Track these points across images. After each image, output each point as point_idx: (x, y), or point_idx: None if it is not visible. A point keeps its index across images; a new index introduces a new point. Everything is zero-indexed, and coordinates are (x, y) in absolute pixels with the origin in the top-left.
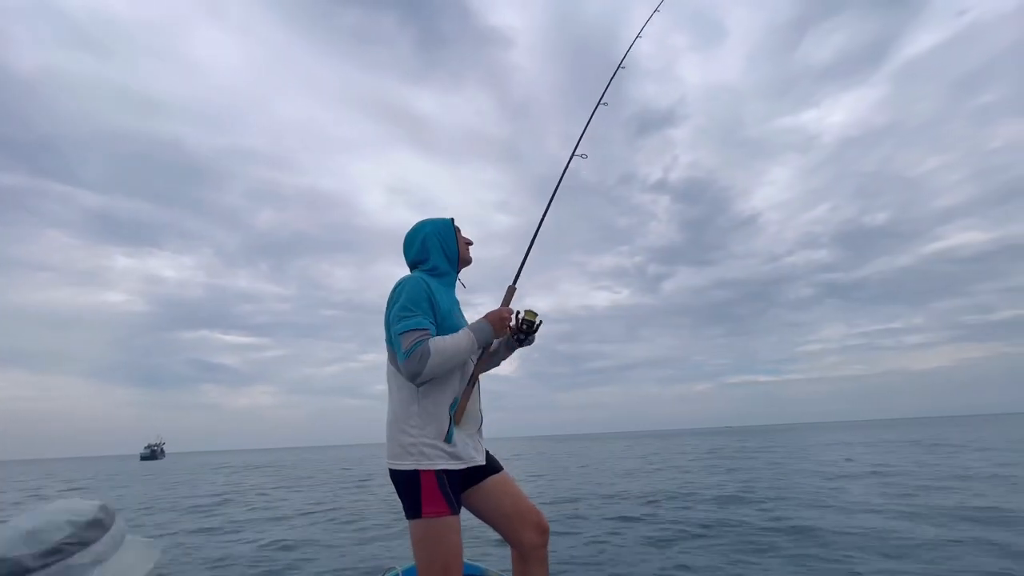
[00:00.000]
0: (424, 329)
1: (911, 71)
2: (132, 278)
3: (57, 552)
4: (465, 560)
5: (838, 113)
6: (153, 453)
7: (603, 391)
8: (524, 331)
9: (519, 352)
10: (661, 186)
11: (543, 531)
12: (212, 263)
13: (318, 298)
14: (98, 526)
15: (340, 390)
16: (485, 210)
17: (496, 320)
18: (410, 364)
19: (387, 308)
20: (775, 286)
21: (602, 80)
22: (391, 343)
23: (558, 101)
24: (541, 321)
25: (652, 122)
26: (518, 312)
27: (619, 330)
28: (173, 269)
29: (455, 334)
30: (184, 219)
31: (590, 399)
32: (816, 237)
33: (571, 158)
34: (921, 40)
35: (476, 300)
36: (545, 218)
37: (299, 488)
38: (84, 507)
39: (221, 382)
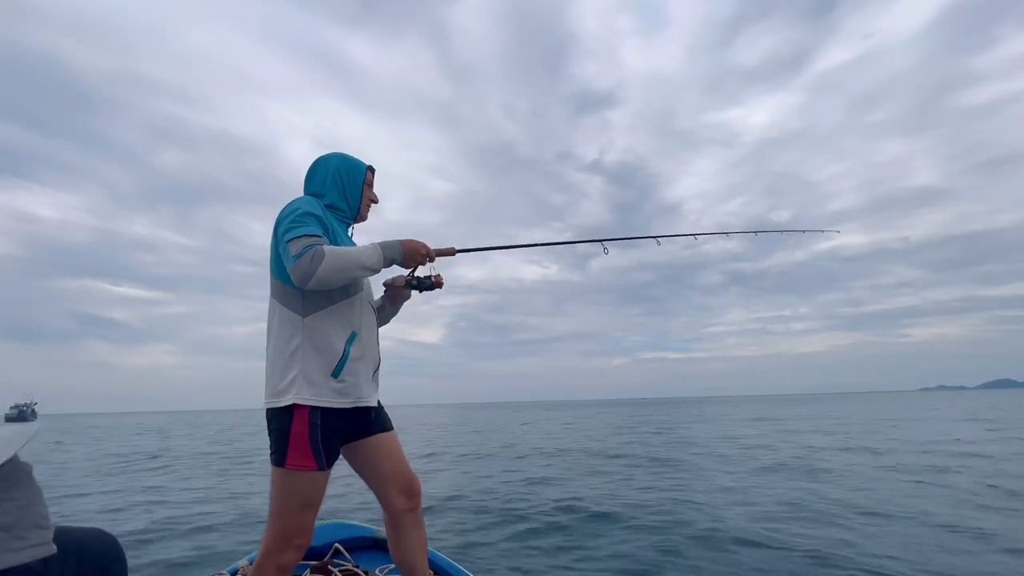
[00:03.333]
0: (316, 235)
1: (823, 83)
2: None
3: None
4: (355, 522)
5: (760, 114)
6: (21, 414)
7: (527, 362)
8: (423, 284)
9: (446, 320)
10: (596, 167)
11: (412, 495)
12: (102, 204)
13: (230, 252)
14: None
15: (253, 352)
16: (420, 173)
17: (410, 247)
18: (300, 265)
19: (275, 228)
20: (690, 271)
21: (547, 53)
22: (274, 266)
23: (501, 69)
24: (438, 284)
25: (592, 102)
26: (434, 271)
27: (546, 304)
28: (52, 208)
29: (361, 245)
30: (66, 151)
31: (514, 369)
32: (729, 227)
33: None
34: (833, 55)
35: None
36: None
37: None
38: None
39: (111, 339)
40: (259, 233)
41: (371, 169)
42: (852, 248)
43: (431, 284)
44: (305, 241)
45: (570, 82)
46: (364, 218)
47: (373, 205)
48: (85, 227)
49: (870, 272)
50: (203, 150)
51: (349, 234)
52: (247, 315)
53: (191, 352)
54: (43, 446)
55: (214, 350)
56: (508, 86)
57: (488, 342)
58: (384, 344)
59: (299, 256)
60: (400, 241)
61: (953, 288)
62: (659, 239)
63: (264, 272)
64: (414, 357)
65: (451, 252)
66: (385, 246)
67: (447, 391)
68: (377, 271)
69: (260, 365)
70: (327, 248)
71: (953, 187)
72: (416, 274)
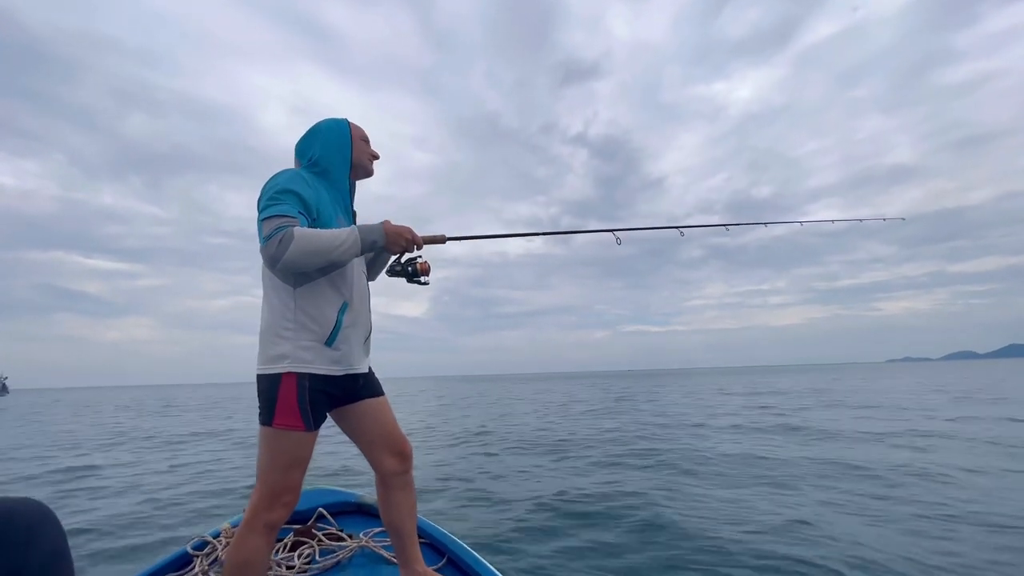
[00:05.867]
0: (289, 216)
1: (808, 57)
2: None
3: None
4: (339, 488)
5: (745, 88)
6: None
7: (510, 335)
8: (408, 272)
9: (430, 294)
10: (580, 140)
11: (404, 458)
12: (66, 172)
13: (204, 223)
14: None
15: (230, 325)
16: (401, 144)
17: (393, 232)
18: (268, 248)
19: (257, 203)
20: (672, 246)
21: (533, 20)
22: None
23: (485, 36)
24: (427, 281)
25: (577, 72)
26: (420, 255)
27: (529, 277)
28: (11, 175)
29: (339, 229)
30: (21, 114)
31: (497, 342)
32: (712, 203)
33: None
34: (820, 28)
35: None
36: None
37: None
38: None
39: (83, 312)
40: (233, 204)
41: (356, 128)
42: (829, 224)
43: (416, 272)
44: (276, 222)
45: (556, 51)
46: (368, 173)
47: (375, 160)
48: (49, 196)
49: (845, 247)
50: (172, 116)
51: (350, 206)
52: (223, 288)
53: (167, 326)
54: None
55: (191, 324)
56: (492, 54)
57: (472, 315)
58: (378, 321)
59: (269, 238)
60: (382, 224)
61: (922, 264)
62: (682, 229)
63: (241, 244)
64: (398, 331)
65: (441, 240)
66: (364, 230)
67: (431, 364)
68: (354, 256)
69: (239, 339)
70: (298, 231)
71: (928, 165)
72: (401, 261)
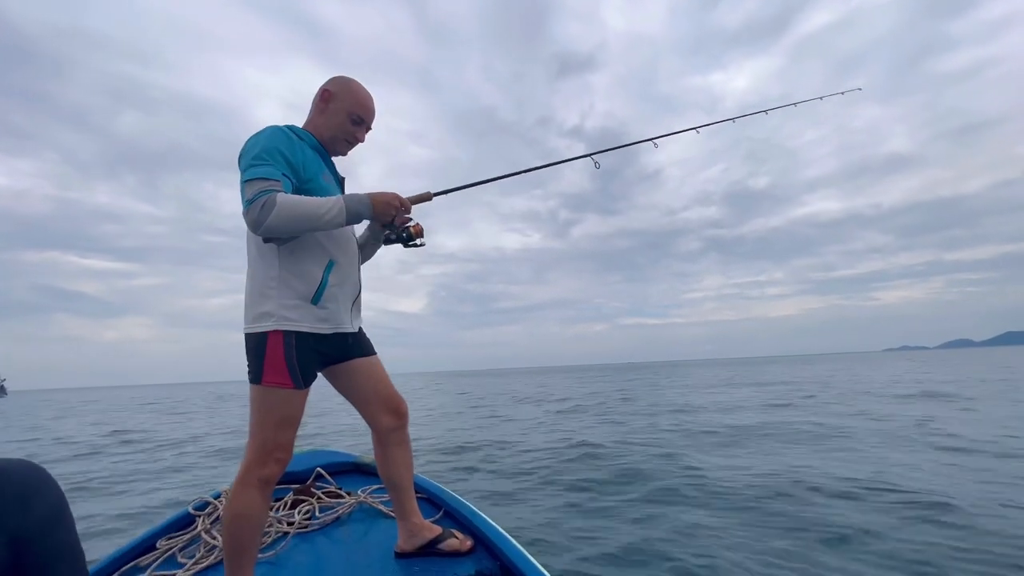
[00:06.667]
0: (274, 180)
1: (805, 46)
2: None
3: None
4: (337, 449)
5: (741, 78)
6: None
7: (509, 330)
8: (403, 237)
9: (428, 290)
10: (577, 132)
11: (400, 415)
12: (61, 171)
13: (201, 222)
14: None
15: (229, 324)
16: (397, 139)
17: (380, 201)
18: (252, 212)
19: (238, 161)
20: (670, 238)
21: (528, 11)
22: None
23: (481, 31)
24: (423, 243)
25: (573, 64)
26: (410, 217)
27: (527, 272)
28: (4, 174)
29: (325, 197)
30: (12, 113)
31: (496, 337)
32: (709, 195)
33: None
34: (816, 18)
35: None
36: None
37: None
38: None
39: (81, 312)
40: (230, 201)
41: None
42: (827, 214)
43: (411, 235)
44: (260, 185)
45: (551, 43)
46: (338, 152)
47: (355, 147)
48: (43, 196)
49: (842, 237)
50: (165, 113)
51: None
52: (222, 287)
53: (166, 325)
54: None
55: (189, 322)
56: (487, 48)
57: (470, 311)
58: (366, 314)
59: (251, 201)
60: (369, 194)
61: (919, 253)
62: (655, 141)
63: (239, 242)
64: (396, 327)
65: (427, 197)
66: (351, 199)
67: (431, 360)
68: (339, 226)
69: (239, 337)
70: (280, 197)
71: (925, 153)
72: (395, 227)
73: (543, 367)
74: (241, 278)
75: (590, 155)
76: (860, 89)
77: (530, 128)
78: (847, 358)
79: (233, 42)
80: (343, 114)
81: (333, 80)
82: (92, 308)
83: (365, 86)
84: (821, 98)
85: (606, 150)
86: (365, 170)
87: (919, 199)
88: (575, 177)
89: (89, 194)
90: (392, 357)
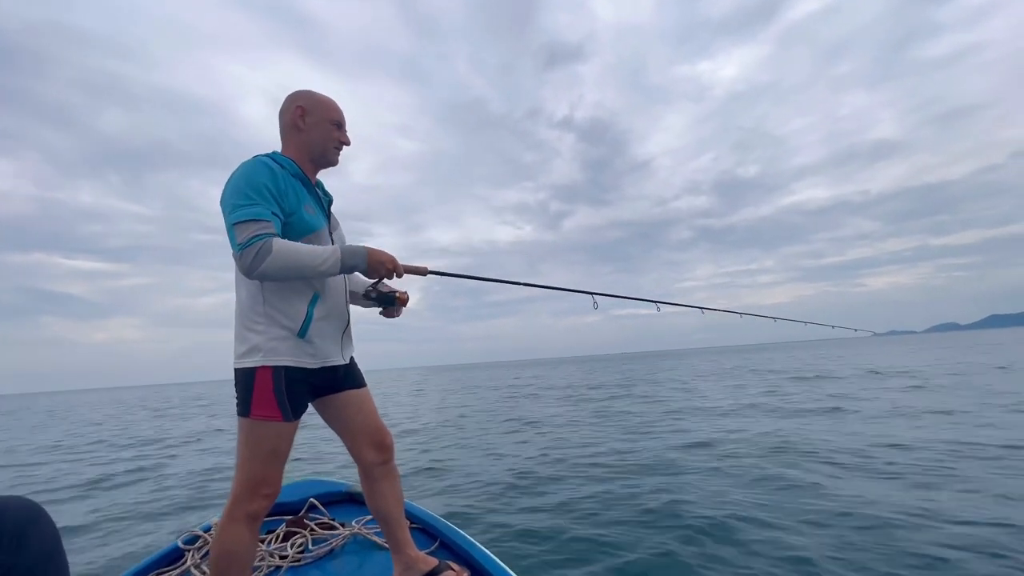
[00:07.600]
0: (265, 221)
1: (792, 33)
2: None
3: None
4: (329, 479)
5: (730, 67)
6: None
7: (501, 323)
8: (385, 299)
9: (421, 284)
10: (567, 124)
11: (384, 449)
12: (41, 171)
13: (189, 220)
14: None
15: (220, 323)
16: (386, 133)
17: (375, 258)
18: (245, 258)
19: (221, 201)
20: (661, 228)
21: (515, 4)
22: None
23: (468, 22)
24: (399, 315)
25: (561, 55)
26: (397, 290)
27: (520, 264)
28: None
29: (320, 247)
30: None
31: (489, 330)
32: (699, 184)
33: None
34: (804, 5)
35: (377, 230)
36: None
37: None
38: None
39: (69, 314)
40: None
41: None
42: (815, 202)
43: (393, 300)
44: (252, 228)
45: (540, 33)
46: (332, 162)
47: (345, 150)
48: (25, 196)
49: (831, 225)
50: (148, 110)
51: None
52: (212, 285)
53: (156, 325)
54: None
55: (179, 322)
56: (475, 39)
57: (463, 305)
58: (360, 310)
59: (245, 246)
60: (366, 248)
61: (906, 239)
62: (659, 304)
63: (227, 241)
64: (390, 322)
65: (422, 272)
66: (347, 252)
67: (423, 354)
68: (332, 276)
69: (229, 336)
70: (276, 243)
71: (911, 139)
72: (379, 287)
73: (536, 359)
74: (231, 276)
75: (591, 293)
76: None
77: (520, 120)
78: (836, 344)
79: (218, 37)
80: (325, 123)
81: (295, 96)
82: (80, 309)
83: (352, 81)
84: (833, 327)
85: (608, 294)
86: (355, 166)
87: (906, 185)
88: (565, 168)
89: (73, 194)
90: (386, 352)
